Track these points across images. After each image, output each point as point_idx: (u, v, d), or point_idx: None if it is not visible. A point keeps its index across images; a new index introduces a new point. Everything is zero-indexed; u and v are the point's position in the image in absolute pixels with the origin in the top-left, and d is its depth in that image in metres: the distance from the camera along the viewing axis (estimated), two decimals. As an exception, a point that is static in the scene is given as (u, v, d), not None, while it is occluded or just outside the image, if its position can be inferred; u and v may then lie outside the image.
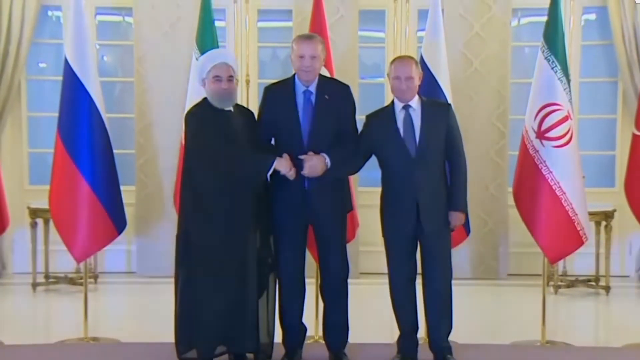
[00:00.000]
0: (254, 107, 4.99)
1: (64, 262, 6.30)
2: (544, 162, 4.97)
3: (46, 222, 6.63)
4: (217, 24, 5.49)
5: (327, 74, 4.95)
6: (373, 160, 4.62)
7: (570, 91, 5.07)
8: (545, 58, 5.03)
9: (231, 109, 4.47)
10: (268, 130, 4.57)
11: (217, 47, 5.30)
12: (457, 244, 5.00)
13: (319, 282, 4.74)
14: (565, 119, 4.99)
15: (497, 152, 6.98)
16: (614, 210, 6.60)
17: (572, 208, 4.96)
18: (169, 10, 6.96)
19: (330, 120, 4.51)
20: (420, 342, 4.68)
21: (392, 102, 4.57)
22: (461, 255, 6.55)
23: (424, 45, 5.32)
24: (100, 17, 7.28)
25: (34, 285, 6.63)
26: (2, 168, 5.52)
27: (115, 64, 7.58)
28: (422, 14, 6.69)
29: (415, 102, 4.51)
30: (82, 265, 5.75)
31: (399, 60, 4.60)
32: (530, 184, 5.02)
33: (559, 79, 5.00)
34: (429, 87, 5.03)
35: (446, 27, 5.57)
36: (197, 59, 5.13)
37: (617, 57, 6.87)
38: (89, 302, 5.26)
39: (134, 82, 7.05)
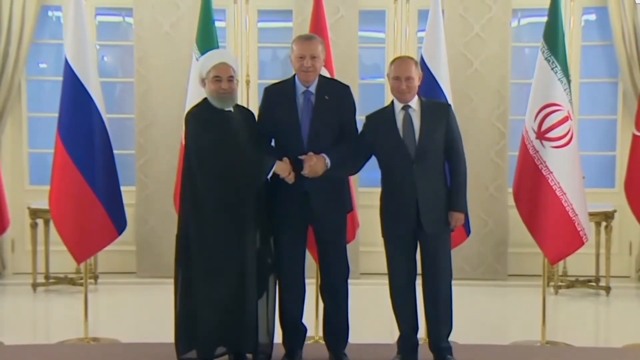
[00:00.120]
0: (254, 108, 4.99)
1: (64, 262, 6.30)
2: (544, 162, 4.97)
3: (46, 223, 6.63)
4: (217, 24, 5.49)
5: (327, 75, 4.95)
6: (373, 161, 4.62)
7: (570, 92, 5.07)
8: (546, 58, 5.03)
9: (231, 109, 4.47)
10: (268, 130, 4.56)
11: (217, 47, 5.29)
12: (457, 244, 5.00)
13: (319, 282, 4.74)
14: (566, 119, 4.99)
15: (497, 153, 6.98)
16: (614, 211, 6.60)
17: (572, 208, 4.96)
18: (169, 10, 6.97)
19: (330, 121, 4.51)
20: (420, 342, 4.67)
21: (392, 102, 4.57)
22: (461, 256, 6.54)
23: (424, 46, 5.32)
24: (100, 18, 7.28)
25: (34, 285, 6.63)
26: (3, 168, 5.52)
27: (115, 64, 7.59)
28: (422, 15, 6.70)
29: (414, 103, 4.51)
30: (82, 265, 5.75)
31: (399, 60, 4.60)
32: (530, 185, 5.02)
33: (559, 79, 5.01)
34: (429, 87, 5.03)
35: (446, 27, 5.57)
36: (197, 60, 5.13)
37: (617, 57, 6.88)
38: (89, 303, 5.26)
39: (134, 83, 7.05)
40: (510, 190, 5.47)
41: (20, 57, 6.83)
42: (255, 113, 4.68)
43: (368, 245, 6.48)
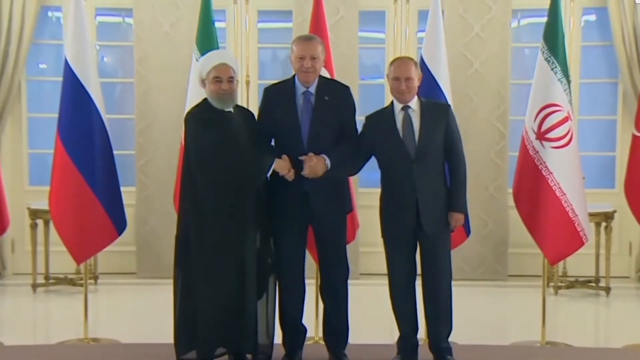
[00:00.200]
0: (254, 108, 4.99)
1: (64, 263, 6.30)
2: (544, 163, 4.97)
3: (46, 223, 6.63)
4: (217, 24, 5.49)
5: (327, 75, 4.95)
6: (373, 161, 4.62)
7: (570, 92, 5.07)
8: (545, 59, 5.03)
9: (231, 109, 4.47)
10: (268, 131, 4.56)
11: (217, 48, 5.29)
12: (457, 244, 5.00)
13: (319, 283, 4.74)
14: (565, 119, 5.00)
15: (497, 153, 6.98)
16: (614, 211, 6.60)
17: (572, 209, 4.96)
18: (169, 11, 6.97)
19: (330, 121, 4.51)
20: (420, 343, 4.67)
21: (392, 103, 4.57)
22: (461, 256, 6.54)
23: (424, 46, 5.32)
24: (100, 18, 7.29)
25: (34, 286, 6.63)
26: (2, 169, 5.52)
27: (115, 64, 7.59)
28: (422, 15, 6.70)
29: (414, 103, 4.51)
30: (82, 266, 5.75)
31: (399, 61, 4.61)
32: (530, 185, 5.02)
33: (559, 79, 5.01)
34: (429, 88, 5.03)
35: (446, 28, 5.57)
36: (197, 60, 5.13)
37: (617, 58, 6.88)
38: (89, 303, 5.26)
39: (134, 83, 7.05)
40: (510, 190, 5.47)
41: (20, 57, 6.83)
42: (255, 113, 4.68)
43: (368, 245, 6.48)
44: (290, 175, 4.40)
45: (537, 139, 5.01)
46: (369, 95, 7.06)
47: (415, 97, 4.53)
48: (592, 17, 7.22)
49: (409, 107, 4.50)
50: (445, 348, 4.58)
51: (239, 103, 4.69)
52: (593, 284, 6.69)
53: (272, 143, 4.61)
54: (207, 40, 5.30)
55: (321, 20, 5.33)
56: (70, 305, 6.26)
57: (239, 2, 6.90)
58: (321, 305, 4.77)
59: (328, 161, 4.42)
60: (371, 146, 4.55)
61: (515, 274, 7.05)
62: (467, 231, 5.12)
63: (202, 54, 5.02)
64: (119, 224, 5.16)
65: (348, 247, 4.73)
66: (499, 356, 4.98)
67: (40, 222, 6.69)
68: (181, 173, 4.64)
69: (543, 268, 5.25)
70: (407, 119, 4.48)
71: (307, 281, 4.65)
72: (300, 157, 4.40)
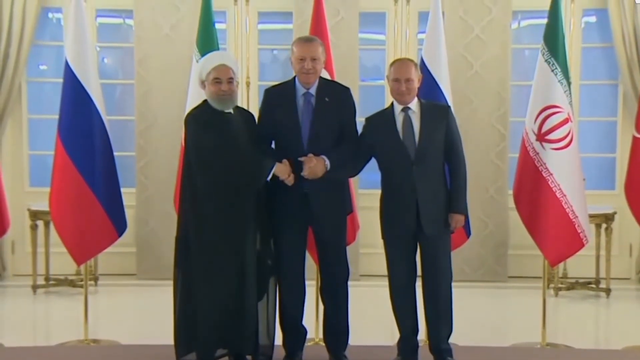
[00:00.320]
0: (254, 109, 4.99)
1: (64, 264, 6.30)
2: (544, 164, 4.97)
3: (46, 224, 6.63)
4: (218, 26, 5.49)
5: (328, 76, 4.95)
6: (373, 163, 4.62)
7: (570, 93, 5.07)
8: (546, 60, 5.03)
9: (231, 111, 4.47)
10: (268, 132, 4.56)
11: (218, 49, 5.30)
12: (457, 246, 5.00)
13: (319, 284, 4.74)
14: (566, 121, 5.00)
15: (497, 155, 6.98)
16: (615, 213, 6.60)
17: (572, 210, 4.96)
18: (169, 12, 6.97)
19: (330, 123, 4.51)
20: (420, 344, 4.67)
21: (392, 104, 4.57)
22: (461, 258, 6.54)
23: (425, 48, 5.32)
24: (100, 19, 7.29)
25: (34, 287, 6.63)
26: (3, 170, 5.52)
27: (115, 66, 7.59)
28: (423, 17, 6.70)
29: (414, 105, 4.51)
30: (82, 267, 5.75)
31: (399, 62, 4.61)
32: (530, 187, 5.02)
33: (559, 81, 5.01)
34: (430, 89, 5.03)
35: (446, 29, 5.57)
36: (197, 61, 5.13)
37: (618, 59, 6.88)
38: (89, 304, 5.26)
39: (134, 84, 7.05)
40: (511, 192, 5.47)
41: (21, 58, 6.83)
42: (256, 115, 4.68)
43: (368, 246, 6.48)
44: (290, 180, 4.40)
45: (537, 140, 5.01)
46: (369, 97, 7.06)
47: (416, 99, 4.53)
48: (593, 19, 7.22)
49: (409, 108, 4.50)
50: (445, 349, 4.57)
51: (239, 104, 4.69)
52: (593, 286, 6.69)
53: (272, 144, 4.61)
54: (207, 41, 5.30)
55: (321, 21, 5.33)
56: (70, 306, 6.26)
57: (240, 4, 6.90)
58: (321, 307, 4.77)
59: (328, 162, 4.42)
60: (371, 147, 4.55)
61: (515, 276, 7.04)
62: (468, 232, 5.12)
63: (203, 55, 5.02)
64: (119, 225, 5.16)
65: (348, 248, 4.74)
66: (499, 357, 4.97)
67: (40, 223, 6.69)
68: (181, 174, 4.64)
69: (543, 269, 5.25)
70: (407, 121, 4.48)
71: (307, 282, 4.65)
72: (300, 158, 4.40)
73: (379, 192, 4.61)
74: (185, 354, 4.45)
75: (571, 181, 4.99)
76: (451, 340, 4.62)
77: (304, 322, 4.71)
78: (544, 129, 4.99)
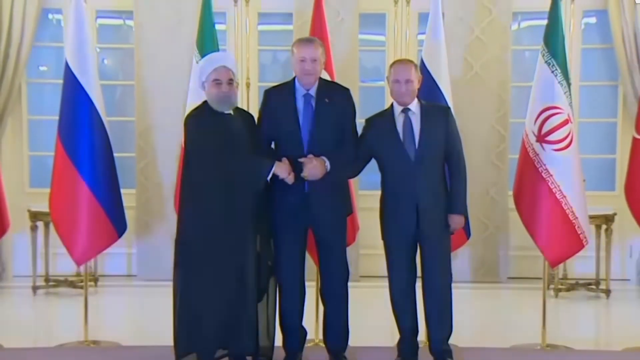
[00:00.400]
0: (254, 111, 4.99)
1: (64, 265, 6.31)
2: (544, 165, 4.97)
3: (46, 225, 6.64)
4: (218, 27, 5.50)
5: (328, 77, 4.95)
6: (373, 164, 4.62)
7: (570, 94, 5.07)
8: (546, 61, 5.04)
9: (231, 112, 4.47)
10: (268, 133, 4.56)
11: (218, 50, 5.30)
12: (457, 247, 5.01)
13: (319, 285, 4.74)
14: (566, 122, 5.00)
15: (497, 156, 6.98)
16: (615, 214, 6.60)
17: (572, 211, 4.96)
18: (169, 13, 6.97)
19: (330, 124, 4.51)
20: (420, 345, 4.67)
21: (392, 105, 4.57)
22: (461, 259, 6.56)
23: (425, 49, 5.32)
24: (100, 21, 7.29)
25: (34, 288, 6.63)
26: (3, 171, 5.52)
27: (115, 67, 7.59)
28: (423, 18, 6.70)
29: (414, 106, 4.51)
30: (82, 268, 5.75)
31: (399, 63, 4.61)
32: (530, 188, 5.02)
33: (559, 82, 5.01)
34: (430, 90, 5.03)
35: (446, 30, 5.57)
36: (197, 62, 5.13)
37: (618, 60, 6.87)
38: (89, 305, 5.25)
39: (134, 85, 7.06)
40: (511, 193, 5.47)
41: (21, 59, 6.83)
42: (256, 116, 4.68)
43: (368, 248, 6.48)
44: (290, 179, 4.40)
45: (537, 141, 5.01)
46: (369, 98, 7.06)
47: (416, 100, 4.53)
48: (593, 20, 7.22)
49: (409, 109, 4.50)
50: (445, 350, 4.58)
51: (239, 105, 4.69)
52: (593, 287, 6.69)
53: (272, 145, 4.61)
54: (207, 42, 5.30)
55: (321, 22, 5.34)
56: (70, 307, 6.26)
57: (240, 5, 6.89)
58: (321, 308, 4.77)
59: (328, 163, 4.42)
60: (371, 149, 4.55)
61: (515, 277, 7.05)
62: (467, 233, 5.13)
63: (203, 56, 5.03)
64: (119, 226, 5.16)
65: (348, 249, 4.73)
66: (499, 359, 4.97)
67: (40, 224, 6.69)
68: (181, 175, 4.64)
69: (543, 270, 5.25)
70: (407, 122, 4.48)
71: (307, 283, 4.65)
72: (299, 160, 4.40)
73: (379, 193, 4.62)
74: (185, 355, 4.44)
75: (571, 182, 4.99)
76: (451, 341, 4.62)
77: (304, 323, 4.71)
78: (544, 130, 4.99)
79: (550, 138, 4.98)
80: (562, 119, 4.99)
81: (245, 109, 5.39)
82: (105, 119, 5.14)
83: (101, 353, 5.06)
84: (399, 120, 4.50)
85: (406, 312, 4.59)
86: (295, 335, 4.67)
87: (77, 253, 5.11)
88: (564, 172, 4.97)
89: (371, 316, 5.63)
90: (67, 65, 5.09)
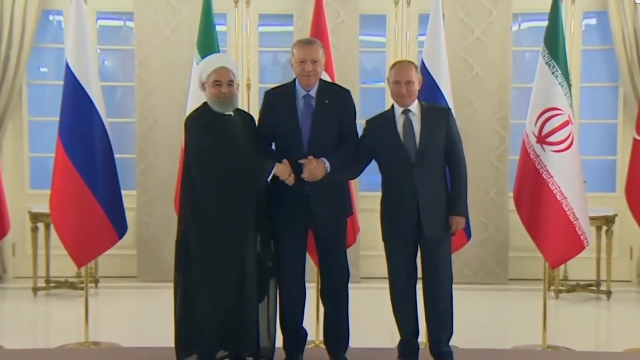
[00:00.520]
0: (255, 112, 4.99)
1: (64, 266, 6.30)
2: (545, 166, 4.97)
3: (47, 227, 6.63)
4: (218, 28, 5.49)
5: (328, 79, 4.95)
6: (373, 165, 4.62)
7: (571, 96, 5.07)
8: (546, 63, 5.04)
9: (231, 113, 4.46)
10: (268, 134, 4.56)
11: (218, 51, 5.30)
12: (457, 248, 5.00)
13: (319, 286, 4.74)
14: (566, 123, 5.00)
15: (497, 157, 6.98)
16: (615, 215, 6.60)
17: (573, 213, 4.96)
18: (169, 14, 6.98)
19: (330, 125, 4.51)
20: (421, 346, 4.67)
21: (392, 106, 4.57)
22: (462, 260, 6.56)
23: (425, 50, 5.32)
24: (101, 22, 7.29)
25: (35, 289, 6.63)
26: (3, 172, 5.52)
27: (116, 68, 7.60)
28: (423, 19, 6.71)
29: (415, 107, 4.51)
30: (83, 269, 5.74)
31: (399, 64, 4.61)
32: (531, 189, 5.02)
33: (559, 83, 5.01)
34: (430, 91, 5.03)
35: (447, 31, 5.58)
36: (197, 64, 5.13)
37: (618, 61, 6.88)
38: (89, 307, 5.25)
39: (134, 87, 7.06)
40: (511, 194, 5.46)
41: (21, 61, 6.84)
42: (256, 117, 4.68)
43: (368, 249, 6.48)
44: (290, 180, 4.40)
45: (537, 142, 5.01)
46: (370, 99, 7.07)
47: (416, 101, 4.53)
48: (593, 21, 7.22)
49: (409, 110, 4.50)
50: (446, 352, 4.57)
51: (240, 106, 4.69)
52: (594, 288, 6.68)
53: (273, 146, 4.61)
54: (208, 43, 5.30)
55: (322, 23, 5.33)
56: (70, 308, 6.26)
57: (240, 6, 6.91)
58: (322, 309, 4.77)
59: (328, 164, 4.42)
60: (371, 150, 4.55)
61: (516, 278, 7.05)
62: (468, 235, 5.12)
63: (203, 57, 5.03)
64: (120, 228, 5.16)
65: (349, 250, 4.73)
66: (500, 360, 4.98)
67: (41, 225, 6.69)
68: (181, 176, 4.64)
69: (544, 272, 5.25)
70: (408, 123, 4.48)
71: (307, 284, 4.65)
72: (300, 161, 4.40)
73: (379, 194, 4.61)
74: (186, 356, 4.44)
75: (572, 183, 4.99)
76: (452, 342, 4.62)
77: (305, 324, 4.71)
78: (545, 131, 4.99)
79: (550, 139, 4.98)
80: (562, 120, 4.99)
81: (246, 110, 5.41)
82: (105, 120, 5.14)
83: (101, 354, 5.06)
84: (400, 122, 4.49)
85: (407, 314, 4.58)
86: (295, 336, 4.67)
87: (78, 254, 5.11)
88: (565, 173, 4.97)
89: (372, 317, 5.62)
90: (67, 67, 5.09)
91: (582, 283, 6.73)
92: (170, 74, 6.90)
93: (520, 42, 7.33)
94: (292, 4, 7.03)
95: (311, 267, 4.78)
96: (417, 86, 4.51)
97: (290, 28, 7.07)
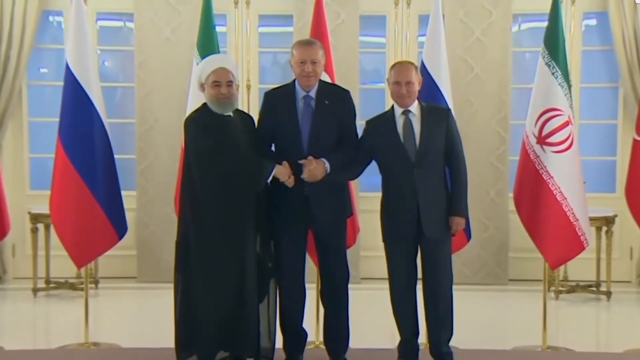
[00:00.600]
0: (255, 112, 4.99)
1: (64, 267, 6.29)
2: (545, 167, 4.97)
3: (47, 228, 6.63)
4: (218, 29, 5.49)
5: (328, 79, 4.95)
6: (373, 165, 4.62)
7: (571, 96, 5.07)
8: (546, 63, 5.04)
9: (231, 114, 4.46)
10: (268, 135, 4.56)
11: (218, 52, 5.30)
12: (457, 249, 5.00)
13: (319, 287, 4.74)
14: (566, 124, 5.00)
15: (497, 157, 6.98)
16: (615, 216, 6.60)
17: (572, 213, 4.96)
18: (169, 15, 6.98)
19: (330, 126, 4.51)
20: (421, 347, 4.67)
21: (392, 107, 4.57)
22: (462, 260, 6.55)
23: (425, 51, 5.32)
24: (101, 23, 7.29)
25: (35, 290, 6.63)
26: (3, 173, 5.52)
27: (116, 69, 7.60)
28: (423, 19, 6.71)
29: (415, 108, 4.51)
30: (82, 270, 5.74)
31: (399, 65, 4.61)
32: (531, 189, 5.02)
33: (559, 84, 5.01)
34: (430, 92, 5.03)
35: (447, 32, 5.58)
36: (197, 64, 5.13)
37: (618, 62, 6.88)
38: (89, 308, 5.25)
39: (134, 87, 7.06)
40: (511, 195, 5.46)
41: (21, 62, 6.84)
42: (256, 118, 4.68)
43: (368, 249, 6.48)
44: (290, 182, 4.40)
45: (537, 143, 5.01)
46: (370, 100, 7.07)
47: (416, 102, 4.53)
48: (593, 22, 7.22)
49: (409, 111, 4.50)
50: (446, 352, 4.57)
51: (240, 107, 4.69)
52: (594, 289, 6.68)
53: (272, 147, 4.61)
54: (208, 44, 5.30)
55: (322, 24, 5.33)
56: (70, 309, 6.26)
57: (240, 7, 6.91)
58: (322, 310, 4.77)
59: (327, 165, 4.42)
60: (371, 150, 4.55)
61: (516, 278, 7.05)
62: (468, 235, 5.12)
63: (203, 58, 5.02)
64: (120, 228, 5.16)
65: (349, 251, 4.73)
66: (500, 360, 4.98)
67: (41, 226, 6.69)
68: (181, 177, 4.64)
69: (544, 272, 5.25)
70: (408, 123, 4.48)
71: (307, 285, 4.65)
72: (299, 161, 4.40)
73: (379, 195, 4.61)
74: (186, 357, 4.44)
75: (572, 184, 4.99)
76: (452, 343, 4.62)
77: (305, 325, 4.71)
78: (545, 131, 5.00)
79: (550, 140, 4.98)
80: (562, 121, 4.99)
81: (246, 110, 5.41)
82: (105, 120, 5.14)
83: (101, 355, 5.06)
84: (400, 122, 4.49)
85: (407, 314, 4.58)
86: (295, 337, 4.67)
87: (78, 255, 5.10)
88: (565, 174, 4.97)
89: (372, 318, 5.62)
90: (67, 67, 5.09)
91: (582, 284, 6.73)
92: (170, 74, 6.91)
93: (520, 42, 7.33)
94: (292, 5, 7.03)
95: (311, 268, 4.78)
96: (417, 87, 4.51)
97: (290, 29, 7.07)
